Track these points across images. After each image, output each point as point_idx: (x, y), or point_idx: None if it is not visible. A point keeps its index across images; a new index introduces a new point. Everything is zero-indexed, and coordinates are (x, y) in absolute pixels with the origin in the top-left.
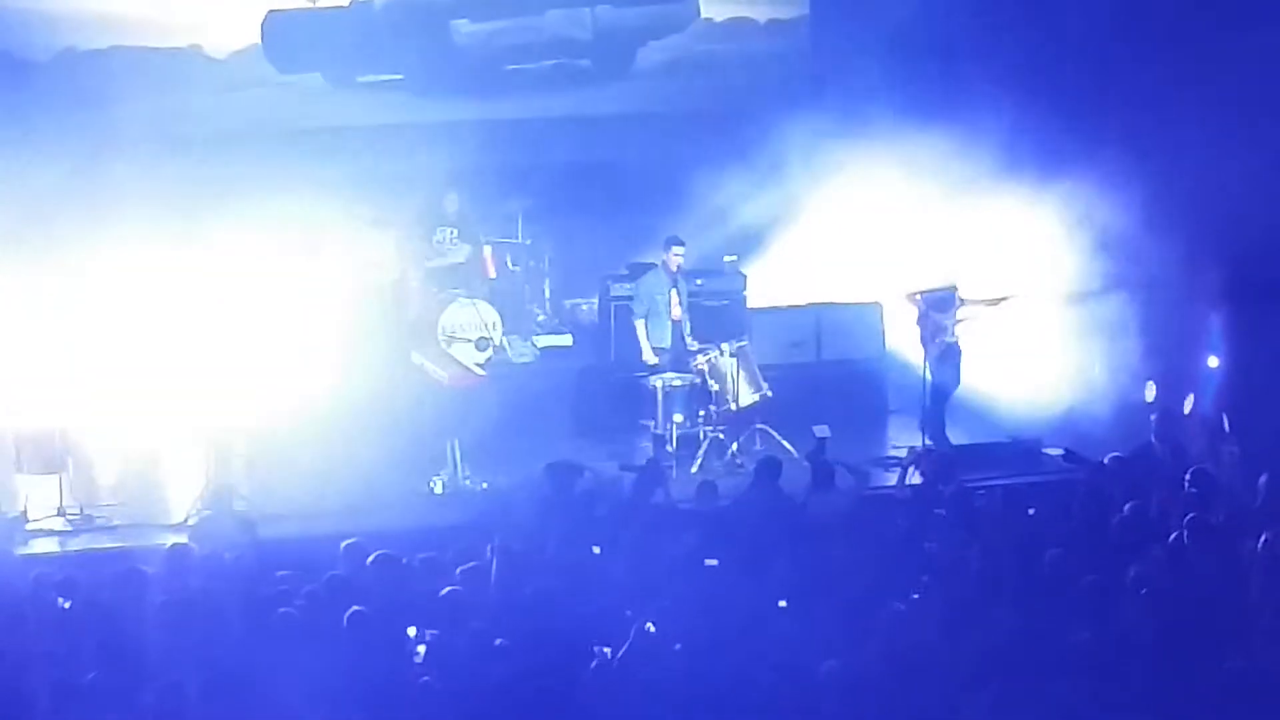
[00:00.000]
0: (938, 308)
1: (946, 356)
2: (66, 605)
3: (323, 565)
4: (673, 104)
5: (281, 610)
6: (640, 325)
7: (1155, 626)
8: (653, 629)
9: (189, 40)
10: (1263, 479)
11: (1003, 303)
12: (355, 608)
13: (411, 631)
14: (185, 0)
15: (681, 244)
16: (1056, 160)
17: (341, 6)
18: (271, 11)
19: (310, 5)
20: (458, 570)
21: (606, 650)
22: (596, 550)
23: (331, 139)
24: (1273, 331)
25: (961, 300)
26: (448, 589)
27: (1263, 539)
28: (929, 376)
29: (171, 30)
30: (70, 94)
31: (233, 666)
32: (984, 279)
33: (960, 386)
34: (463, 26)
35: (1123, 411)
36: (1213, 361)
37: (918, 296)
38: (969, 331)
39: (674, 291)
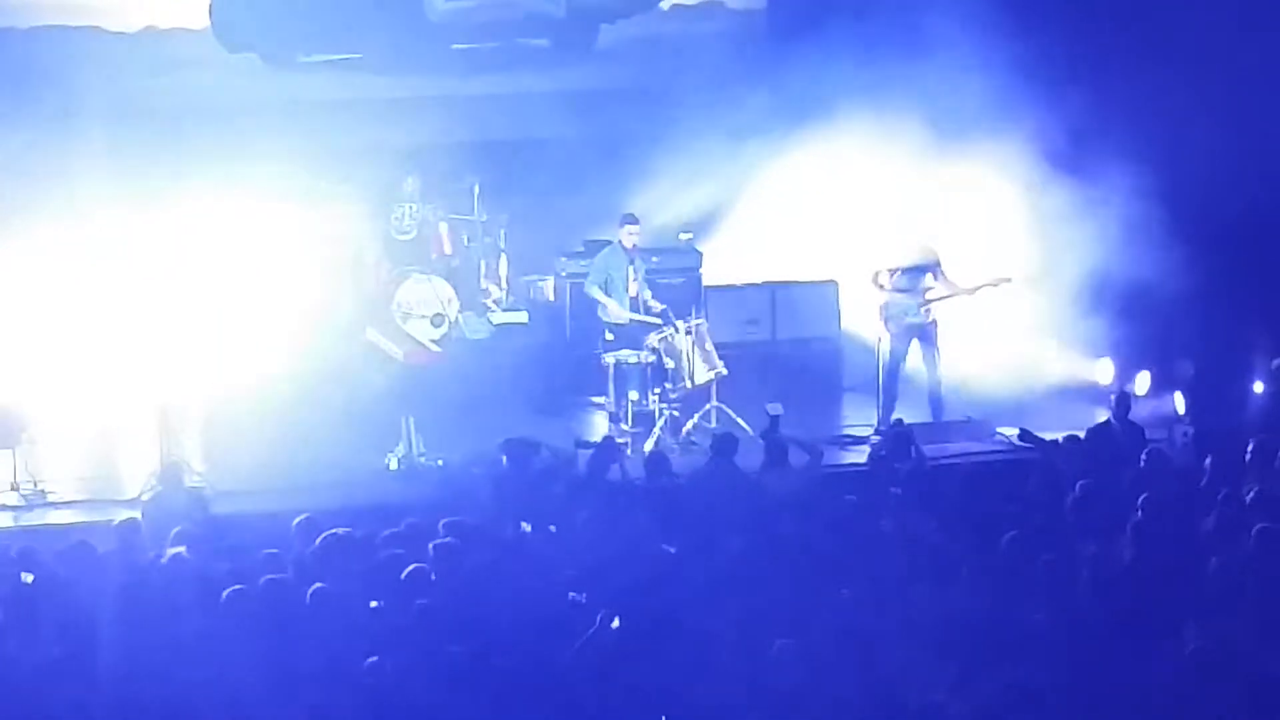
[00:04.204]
0: (907, 285)
1: (921, 335)
2: (30, 580)
3: (276, 541)
4: (629, 81)
5: (233, 587)
6: (596, 290)
7: (1110, 605)
8: (618, 623)
9: (137, 20)
10: (1208, 459)
11: (985, 287)
12: (312, 585)
13: None
14: None
15: (635, 221)
16: (1013, 138)
17: None
18: None
19: None
20: (417, 547)
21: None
22: (553, 529)
23: (288, 114)
24: (1229, 312)
25: (936, 275)
26: (410, 567)
27: (1214, 517)
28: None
29: (117, 11)
30: (11, 73)
31: (182, 643)
32: (947, 259)
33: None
34: (438, 3)
35: (1078, 391)
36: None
37: (886, 274)
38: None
39: (630, 268)
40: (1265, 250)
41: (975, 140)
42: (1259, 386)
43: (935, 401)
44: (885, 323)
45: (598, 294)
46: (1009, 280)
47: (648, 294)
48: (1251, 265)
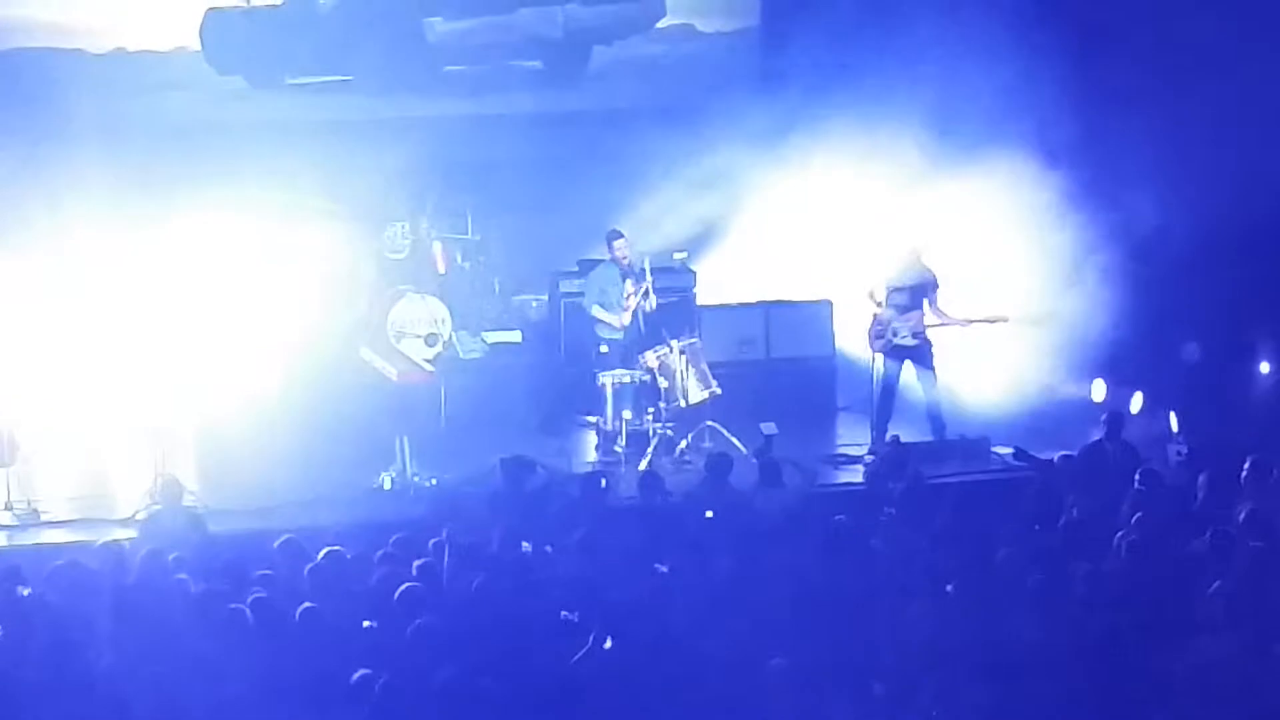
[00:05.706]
0: (900, 304)
1: (913, 357)
2: (26, 593)
3: (271, 560)
4: (623, 102)
5: (230, 606)
6: (597, 310)
7: (1104, 624)
8: (610, 644)
9: (123, 42)
10: (1202, 478)
11: (981, 322)
12: (306, 604)
13: None
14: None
15: (621, 235)
16: (1004, 158)
17: (275, 5)
18: (210, 11)
19: (245, 4)
20: (411, 566)
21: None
22: (548, 549)
23: (282, 134)
24: (1222, 331)
25: (931, 300)
26: (403, 585)
27: (1208, 535)
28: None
29: (104, 33)
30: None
31: (178, 661)
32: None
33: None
34: (436, 25)
35: (1072, 410)
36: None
37: (882, 290)
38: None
39: (628, 283)
40: (1261, 269)
41: (972, 157)
42: (1253, 405)
43: (935, 422)
44: (873, 341)
45: (599, 313)
46: (1005, 320)
47: (653, 301)
48: (1247, 283)
